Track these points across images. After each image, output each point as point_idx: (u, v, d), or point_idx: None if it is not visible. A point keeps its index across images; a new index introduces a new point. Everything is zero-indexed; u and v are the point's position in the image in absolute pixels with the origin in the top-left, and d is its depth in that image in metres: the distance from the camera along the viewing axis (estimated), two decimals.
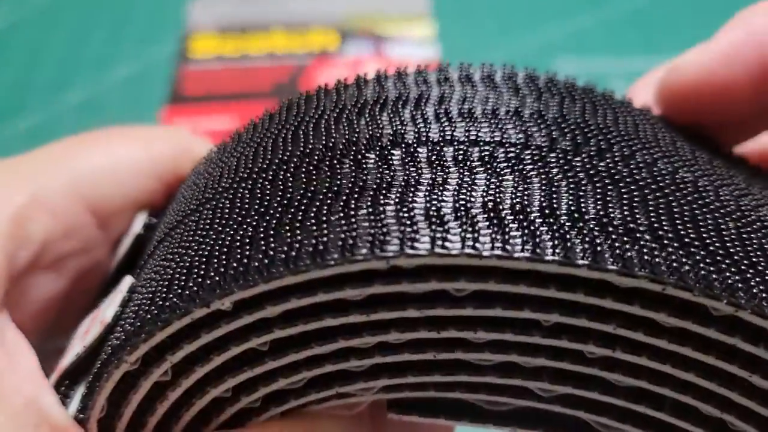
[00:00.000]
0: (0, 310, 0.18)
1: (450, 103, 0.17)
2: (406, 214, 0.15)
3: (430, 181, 0.15)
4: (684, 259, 0.14)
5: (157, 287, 0.16)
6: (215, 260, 0.15)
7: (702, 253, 0.15)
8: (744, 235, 0.16)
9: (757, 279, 0.15)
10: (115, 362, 0.16)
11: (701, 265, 0.14)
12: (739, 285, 0.14)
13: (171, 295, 0.15)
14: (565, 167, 0.16)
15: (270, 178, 0.17)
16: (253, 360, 0.16)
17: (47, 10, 0.55)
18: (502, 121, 0.17)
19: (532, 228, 0.14)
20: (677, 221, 0.15)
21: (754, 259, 0.15)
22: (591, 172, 0.16)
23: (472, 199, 0.15)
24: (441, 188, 0.15)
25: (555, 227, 0.14)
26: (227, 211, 0.16)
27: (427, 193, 0.15)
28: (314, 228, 0.15)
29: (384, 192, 0.15)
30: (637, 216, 0.15)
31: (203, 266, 0.15)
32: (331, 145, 0.17)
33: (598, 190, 0.15)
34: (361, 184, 0.15)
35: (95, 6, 0.55)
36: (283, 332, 0.15)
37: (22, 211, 0.19)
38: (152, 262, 0.18)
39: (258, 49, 0.51)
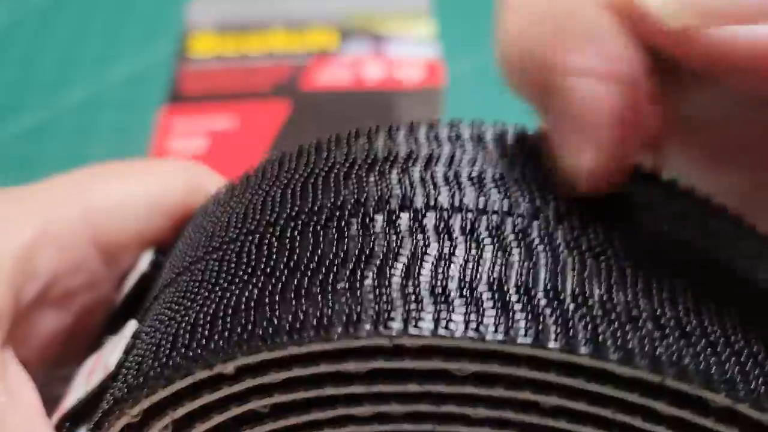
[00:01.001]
0: (4, 346, 0.18)
1: (460, 166, 0.17)
2: (411, 290, 0.15)
3: (437, 253, 0.15)
4: (684, 350, 0.14)
5: (161, 340, 0.16)
6: (220, 321, 0.15)
7: (702, 342, 0.15)
8: (746, 321, 0.16)
9: (756, 371, 0.15)
10: (117, 413, 0.16)
11: (701, 356, 0.14)
12: (738, 378, 0.14)
13: (174, 354, 0.16)
14: (572, 245, 0.16)
15: (278, 234, 0.17)
16: (252, 420, 0.16)
17: (46, 9, 0.55)
18: (511, 188, 0.17)
19: (536, 311, 0.14)
20: (679, 307, 0.15)
21: (754, 349, 0.15)
22: (597, 251, 0.16)
23: (478, 276, 0.15)
24: (448, 261, 0.15)
25: (559, 311, 0.14)
26: (233, 265, 0.17)
27: (433, 267, 0.15)
28: (320, 296, 0.15)
29: (391, 262, 0.15)
30: (640, 301, 0.15)
31: (208, 325, 0.16)
32: (339, 203, 0.17)
33: (603, 272, 0.15)
34: (367, 251, 0.16)
35: (94, 6, 0.55)
36: (284, 397, 0.15)
37: (30, 245, 0.19)
38: (157, 308, 0.18)
39: (258, 48, 0.51)
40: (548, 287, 0.15)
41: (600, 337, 0.14)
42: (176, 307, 0.17)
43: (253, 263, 0.16)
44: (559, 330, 0.14)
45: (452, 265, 0.15)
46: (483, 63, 0.46)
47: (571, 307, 0.15)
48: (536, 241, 0.16)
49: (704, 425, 0.15)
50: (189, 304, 0.17)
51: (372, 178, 0.17)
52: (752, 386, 0.14)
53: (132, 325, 0.18)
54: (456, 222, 0.16)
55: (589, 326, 0.14)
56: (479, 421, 0.16)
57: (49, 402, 0.19)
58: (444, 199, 0.16)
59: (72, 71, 0.51)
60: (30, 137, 0.48)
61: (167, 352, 0.16)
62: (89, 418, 0.17)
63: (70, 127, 0.49)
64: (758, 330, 0.16)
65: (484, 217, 0.16)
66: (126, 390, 0.16)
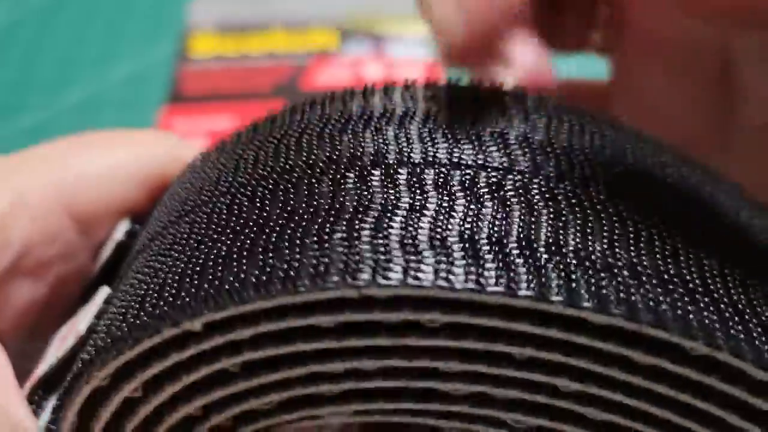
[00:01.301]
0: None
1: (435, 123, 0.17)
2: (380, 241, 0.14)
3: (408, 206, 0.15)
4: (662, 297, 0.14)
5: (130, 302, 0.16)
6: (187, 279, 0.15)
7: (680, 290, 0.14)
8: (726, 271, 0.15)
9: (736, 318, 0.14)
10: (86, 377, 0.16)
11: (679, 303, 0.14)
12: (717, 325, 0.14)
13: (142, 313, 0.15)
14: (547, 195, 0.16)
15: (249, 194, 0.17)
16: (223, 380, 0.16)
17: (46, 9, 0.55)
18: (487, 143, 0.17)
19: (508, 260, 0.14)
20: (657, 255, 0.15)
21: (734, 297, 0.15)
22: (573, 201, 0.16)
23: (450, 227, 0.15)
24: (419, 214, 0.15)
25: (531, 260, 0.14)
26: (204, 225, 0.16)
27: (403, 219, 0.15)
28: (287, 251, 0.15)
29: (361, 215, 0.15)
30: (617, 250, 0.15)
31: (175, 284, 0.15)
32: (311, 162, 0.17)
33: (579, 221, 0.15)
34: (338, 206, 0.15)
35: (94, 6, 0.55)
36: (254, 355, 0.15)
37: (2, 214, 0.19)
38: (129, 274, 0.18)
39: (258, 48, 0.51)
40: (521, 237, 0.15)
41: (574, 284, 0.14)
42: (147, 270, 0.17)
43: (223, 222, 0.16)
44: (531, 278, 0.14)
45: (423, 218, 0.15)
46: None
47: (545, 256, 0.14)
48: (510, 194, 0.16)
49: (682, 374, 0.14)
50: (159, 266, 0.16)
51: (346, 138, 0.17)
52: (731, 333, 0.14)
53: (104, 291, 0.18)
54: (429, 176, 0.16)
55: (563, 274, 0.14)
56: (451, 376, 0.15)
57: (23, 376, 0.19)
58: (417, 155, 0.16)
59: (72, 71, 0.51)
60: (30, 137, 0.48)
61: (135, 312, 0.16)
62: (60, 385, 0.17)
63: (70, 127, 0.48)
64: (739, 279, 0.15)
65: (458, 171, 0.16)
66: (94, 353, 0.16)
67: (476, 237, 0.15)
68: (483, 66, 0.19)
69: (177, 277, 0.15)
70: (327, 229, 0.15)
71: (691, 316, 0.14)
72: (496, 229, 0.15)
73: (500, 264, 0.14)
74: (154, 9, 0.55)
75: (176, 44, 0.51)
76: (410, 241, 0.14)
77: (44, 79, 0.51)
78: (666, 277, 0.15)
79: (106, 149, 0.21)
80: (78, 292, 0.20)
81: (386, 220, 0.15)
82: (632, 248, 0.15)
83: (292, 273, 0.14)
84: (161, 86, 0.49)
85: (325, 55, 0.50)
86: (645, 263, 0.15)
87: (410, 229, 0.15)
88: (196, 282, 0.15)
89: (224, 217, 0.16)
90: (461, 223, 0.15)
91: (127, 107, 0.50)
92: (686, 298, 0.14)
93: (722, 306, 0.15)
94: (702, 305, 0.14)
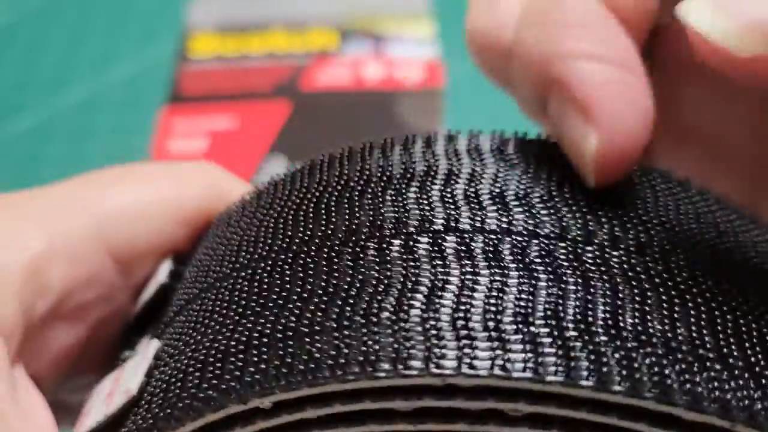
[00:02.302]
0: (15, 363, 0.17)
1: (480, 183, 0.16)
2: (461, 324, 0.14)
3: (459, 282, 0.15)
4: (753, 392, 0.14)
5: (188, 366, 0.15)
6: (254, 350, 0.15)
7: (762, 381, 0.14)
8: None
9: None
10: None
11: (747, 400, 0.14)
12: None
13: (205, 385, 0.15)
14: (602, 267, 0.15)
15: (312, 255, 0.16)
16: None
17: (46, 9, 0.55)
18: (536, 206, 0.16)
19: (597, 350, 0.14)
20: (720, 334, 0.14)
21: None
22: (629, 273, 0.15)
23: (503, 307, 0.14)
24: (470, 291, 0.14)
25: (619, 347, 0.14)
26: (266, 287, 0.16)
27: (455, 298, 0.14)
28: (363, 328, 0.14)
29: (438, 292, 0.14)
30: (678, 330, 0.14)
31: (241, 354, 0.15)
32: (354, 227, 0.16)
33: (637, 297, 0.15)
34: (413, 278, 0.15)
35: (94, 6, 0.55)
36: None
37: (39, 257, 0.18)
38: (178, 326, 0.17)
39: (258, 49, 0.51)
40: (608, 322, 0.14)
41: (668, 381, 0.13)
42: (202, 329, 0.16)
43: (287, 287, 0.15)
44: (624, 374, 0.13)
45: (475, 294, 0.14)
46: None
47: (631, 344, 0.14)
48: (564, 266, 0.15)
49: None
50: (217, 327, 0.16)
51: (389, 199, 0.16)
52: None
53: (153, 345, 0.17)
54: (478, 245, 0.15)
55: (654, 368, 0.14)
56: None
57: (59, 410, 0.18)
58: (465, 221, 0.16)
59: (72, 71, 0.51)
60: (30, 137, 0.48)
61: (196, 382, 0.15)
62: None
63: (70, 127, 0.49)
64: None
65: (509, 239, 0.15)
66: (151, 420, 0.15)
67: (530, 318, 0.14)
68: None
69: (242, 347, 0.15)
70: (404, 305, 0.14)
71: (763, 414, 0.14)
72: (580, 310, 0.14)
73: (590, 355, 0.14)
74: (153, 9, 0.55)
75: (176, 44, 0.51)
76: (463, 323, 0.14)
77: (44, 79, 0.51)
78: (757, 369, 0.14)
79: (145, 184, 0.20)
80: (118, 333, 0.20)
81: (467, 299, 0.14)
82: (693, 327, 0.14)
83: (371, 357, 0.14)
84: (161, 86, 0.49)
85: (325, 55, 0.50)
86: (734, 352, 0.14)
87: (462, 308, 0.14)
88: (264, 356, 0.14)
89: (288, 280, 0.16)
90: (546, 302, 0.14)
91: (127, 107, 0.50)
92: (760, 393, 0.14)
93: None
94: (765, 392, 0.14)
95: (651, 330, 0.14)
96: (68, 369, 0.20)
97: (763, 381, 0.14)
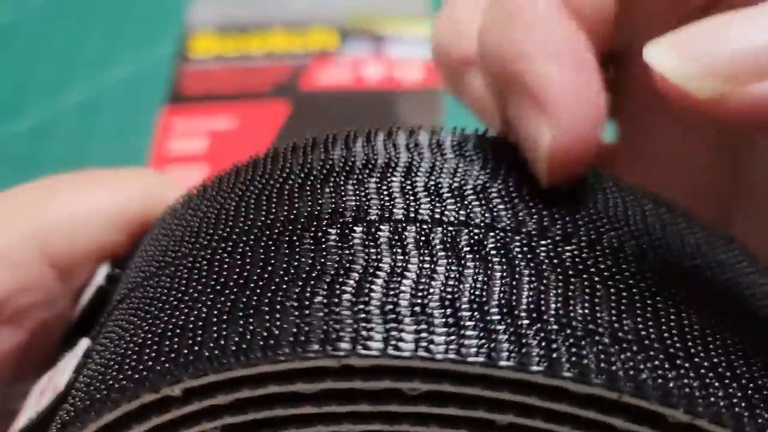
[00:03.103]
0: None
1: (417, 176, 0.17)
2: (361, 307, 0.14)
3: (389, 268, 0.15)
4: (642, 365, 0.14)
5: (109, 361, 0.16)
6: (167, 341, 0.15)
7: (661, 356, 0.14)
8: (707, 332, 0.15)
9: (716, 384, 0.14)
10: None
11: (659, 371, 0.14)
12: (697, 393, 0.14)
13: (121, 376, 0.15)
14: (529, 255, 0.15)
15: (229, 249, 0.16)
16: None
17: (46, 10, 0.55)
18: (468, 198, 0.16)
19: (489, 328, 0.14)
20: (638, 319, 0.15)
21: (715, 360, 0.15)
22: (555, 261, 0.15)
23: (431, 293, 0.15)
24: (399, 278, 0.15)
25: (512, 327, 0.14)
26: (184, 282, 0.16)
27: (384, 284, 0.15)
28: (267, 316, 0.15)
29: (342, 278, 0.15)
30: (598, 313, 0.15)
31: (155, 346, 0.15)
32: (292, 216, 0.16)
33: (560, 283, 0.15)
34: (319, 267, 0.15)
35: (94, 6, 0.55)
36: (234, 419, 0.15)
37: None
38: (109, 325, 0.18)
39: (258, 49, 0.51)
40: (502, 302, 0.14)
41: (554, 354, 0.14)
42: (126, 325, 0.16)
43: (203, 280, 0.16)
44: (512, 348, 0.14)
45: (404, 283, 0.15)
46: None
47: (525, 323, 0.14)
48: (492, 253, 0.15)
49: None
50: (139, 322, 0.16)
51: (327, 190, 0.17)
52: (712, 400, 0.14)
53: (84, 343, 0.18)
54: (410, 234, 0.16)
55: (543, 343, 0.14)
56: None
57: (8, 418, 0.18)
58: (399, 211, 0.16)
59: (72, 71, 0.52)
60: (31, 137, 0.48)
61: (114, 374, 0.15)
62: None
63: (70, 127, 0.49)
64: (721, 342, 0.15)
65: (439, 229, 0.16)
66: (73, 413, 0.16)
67: (457, 303, 0.15)
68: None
69: (157, 338, 0.15)
70: (308, 293, 0.15)
71: (671, 383, 0.14)
72: (477, 293, 0.15)
73: (481, 332, 0.14)
74: (154, 9, 0.55)
75: (176, 44, 0.51)
76: (391, 307, 0.14)
77: (44, 79, 0.51)
78: (647, 342, 0.15)
79: (83, 191, 0.21)
80: (59, 337, 0.20)
81: (367, 285, 0.15)
82: (614, 310, 0.15)
83: (272, 341, 0.14)
84: (161, 86, 0.49)
85: (325, 55, 0.50)
86: (626, 327, 0.15)
87: (391, 294, 0.15)
88: (176, 345, 0.15)
89: (205, 273, 0.16)
90: (442, 287, 0.15)
91: (127, 108, 0.50)
92: (667, 364, 0.14)
93: (703, 371, 0.14)
94: (683, 371, 0.14)
95: (544, 309, 0.15)
96: (11, 374, 0.20)
97: (651, 352, 0.14)
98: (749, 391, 0.15)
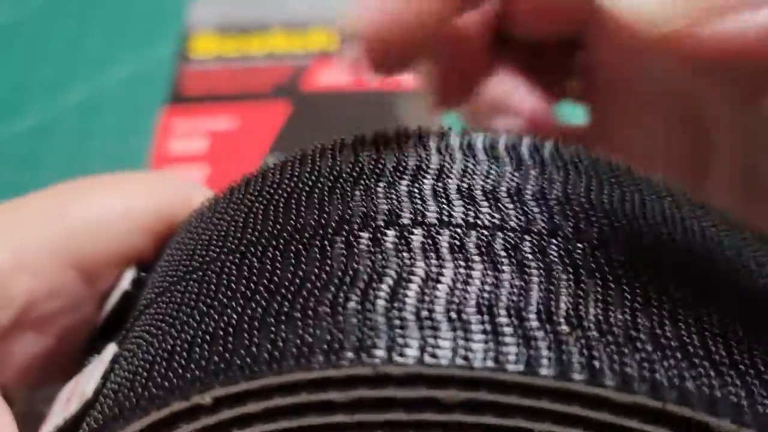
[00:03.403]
0: None
1: (449, 179, 0.16)
2: (396, 313, 0.14)
3: (424, 274, 0.15)
4: (686, 372, 0.14)
5: (138, 368, 0.16)
6: (197, 348, 0.15)
7: (705, 363, 0.14)
8: (751, 337, 0.15)
9: (763, 393, 0.14)
10: None
11: (703, 378, 0.14)
12: (744, 402, 0.14)
13: (150, 384, 0.15)
14: (566, 259, 0.15)
15: (258, 254, 0.16)
16: None
17: (46, 10, 0.55)
18: (502, 200, 0.16)
19: (528, 335, 0.14)
20: (680, 325, 0.15)
21: (760, 368, 0.14)
22: (593, 265, 0.15)
23: (466, 299, 0.14)
24: (435, 283, 0.14)
25: (552, 334, 0.14)
26: (213, 287, 0.16)
27: (419, 289, 0.14)
28: (300, 322, 0.14)
29: (376, 284, 0.14)
30: (638, 319, 0.14)
31: (185, 353, 0.15)
32: (323, 221, 0.16)
33: (599, 288, 0.15)
34: (351, 272, 0.15)
35: (94, 6, 0.55)
36: (265, 427, 0.15)
37: (3, 271, 0.19)
38: (136, 331, 0.17)
39: (258, 49, 0.51)
40: (540, 309, 0.14)
41: (595, 362, 0.13)
42: (155, 331, 0.16)
43: (233, 285, 0.16)
44: (552, 356, 0.13)
45: (438, 288, 0.14)
46: None
47: (565, 329, 0.14)
48: (529, 257, 0.15)
49: None
50: (167, 328, 0.16)
51: (357, 193, 0.16)
52: (759, 410, 0.14)
53: (111, 349, 0.18)
54: (444, 238, 0.15)
55: (584, 350, 0.14)
56: None
57: (33, 421, 0.18)
58: (431, 215, 0.16)
59: (73, 72, 0.51)
60: (31, 137, 0.48)
61: (143, 381, 0.15)
62: None
63: (70, 127, 0.49)
64: (764, 348, 0.15)
65: (474, 233, 0.15)
66: (102, 421, 0.15)
67: (494, 309, 0.14)
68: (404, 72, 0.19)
69: (186, 346, 0.15)
70: (341, 298, 0.14)
71: (716, 391, 0.14)
72: (514, 298, 0.14)
73: (520, 340, 0.14)
74: (154, 9, 0.55)
75: (176, 45, 0.51)
76: (426, 313, 0.14)
77: (44, 79, 0.51)
78: (690, 348, 0.14)
79: (107, 195, 0.20)
80: (84, 342, 0.20)
81: (401, 290, 0.14)
82: (655, 317, 0.14)
83: (305, 349, 0.14)
84: (161, 87, 0.49)
85: (325, 56, 0.50)
86: (668, 333, 0.14)
87: (426, 300, 0.14)
88: (206, 353, 0.15)
89: (234, 279, 0.16)
90: (479, 292, 0.14)
91: (128, 108, 0.50)
92: (711, 372, 0.14)
93: (749, 379, 0.14)
94: (728, 378, 0.14)
95: (584, 315, 0.14)
96: (37, 379, 0.20)
97: (696, 360, 0.14)
98: None
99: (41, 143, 0.48)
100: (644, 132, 0.24)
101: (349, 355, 0.13)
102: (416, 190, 0.16)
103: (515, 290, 0.14)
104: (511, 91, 0.20)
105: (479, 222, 0.16)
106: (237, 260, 0.16)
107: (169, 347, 0.15)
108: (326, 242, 0.16)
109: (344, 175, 0.17)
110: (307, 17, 0.52)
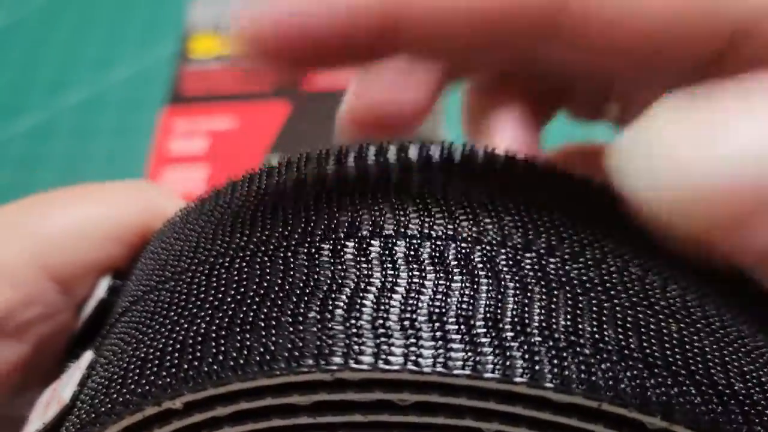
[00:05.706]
0: None
1: (407, 190, 0.17)
2: (353, 323, 0.15)
3: (380, 284, 0.15)
4: (621, 374, 0.15)
5: (113, 375, 0.16)
6: (168, 356, 0.16)
7: (640, 365, 0.15)
8: (686, 339, 0.16)
9: (693, 391, 0.15)
10: None
11: (638, 380, 0.15)
12: (674, 400, 0.15)
13: (125, 390, 0.16)
14: (514, 268, 0.16)
15: (226, 265, 0.17)
16: None
17: (47, 9, 0.55)
18: (456, 211, 0.17)
19: (474, 341, 0.15)
20: (619, 329, 0.15)
21: (692, 367, 0.15)
22: (539, 273, 0.16)
23: (419, 307, 0.15)
24: (390, 293, 0.15)
25: (497, 340, 0.15)
26: (184, 297, 0.17)
27: (375, 299, 0.15)
28: (263, 331, 0.15)
29: (335, 294, 0.15)
30: (580, 325, 0.15)
31: (157, 361, 0.16)
32: (287, 232, 0.17)
33: (544, 296, 0.16)
34: (312, 283, 0.16)
35: (95, 6, 0.55)
36: (234, 429, 0.16)
37: None
38: (112, 338, 0.18)
39: None
40: (488, 316, 0.15)
41: (537, 366, 0.14)
42: (128, 339, 0.17)
43: (202, 295, 0.16)
44: (496, 360, 0.14)
45: (393, 298, 0.15)
46: None
47: (510, 335, 0.15)
48: (479, 267, 0.16)
49: None
50: (141, 336, 0.17)
51: (320, 205, 0.17)
52: (689, 407, 0.15)
53: (88, 356, 0.18)
54: (400, 249, 0.16)
55: (527, 354, 0.15)
56: None
57: (12, 425, 0.19)
58: (389, 226, 0.16)
59: (73, 72, 0.52)
60: (31, 137, 0.48)
61: (118, 387, 0.16)
62: None
63: (70, 127, 0.49)
64: (698, 347, 0.16)
65: (428, 244, 0.16)
66: (79, 425, 0.16)
67: (444, 317, 0.15)
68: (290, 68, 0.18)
69: (158, 353, 0.16)
70: (302, 308, 0.15)
71: (649, 392, 0.15)
72: (463, 306, 0.15)
73: (466, 346, 0.15)
74: (154, 10, 0.55)
75: (176, 45, 0.51)
76: (381, 322, 0.15)
77: (44, 79, 0.51)
78: (626, 352, 0.15)
79: (81, 205, 0.21)
80: (62, 349, 0.20)
81: (359, 300, 0.15)
82: (595, 322, 0.15)
83: (268, 356, 0.15)
84: (162, 87, 0.49)
85: None
86: (607, 338, 0.15)
87: (382, 309, 0.15)
88: (176, 361, 0.15)
89: (203, 289, 0.17)
90: (430, 301, 0.15)
91: (128, 108, 0.50)
92: (645, 372, 0.15)
93: (680, 378, 0.15)
94: (661, 379, 0.15)
95: (528, 321, 0.15)
96: (16, 385, 0.20)
97: (631, 362, 0.15)
98: (725, 397, 0.15)
99: (41, 143, 0.48)
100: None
101: (309, 362, 0.14)
102: (376, 202, 0.17)
103: (465, 299, 0.15)
104: (498, 117, 0.20)
105: (433, 233, 0.16)
106: (206, 271, 0.17)
107: (142, 354, 0.16)
108: (289, 253, 0.16)
109: (307, 188, 0.18)
110: None
